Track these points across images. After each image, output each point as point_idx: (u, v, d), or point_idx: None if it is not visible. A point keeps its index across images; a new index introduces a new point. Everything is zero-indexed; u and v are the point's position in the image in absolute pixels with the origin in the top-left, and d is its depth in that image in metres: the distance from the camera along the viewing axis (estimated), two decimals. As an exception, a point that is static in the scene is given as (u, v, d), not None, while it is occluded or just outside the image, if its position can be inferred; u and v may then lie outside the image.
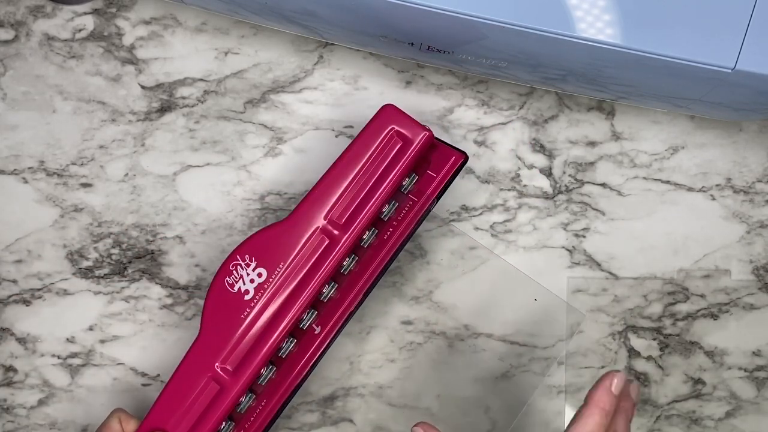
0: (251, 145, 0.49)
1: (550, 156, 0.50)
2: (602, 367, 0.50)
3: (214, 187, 0.49)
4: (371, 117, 0.42)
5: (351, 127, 0.50)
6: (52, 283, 0.49)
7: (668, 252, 0.51)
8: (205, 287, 0.49)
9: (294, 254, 0.41)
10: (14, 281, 0.49)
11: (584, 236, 0.50)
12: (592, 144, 0.50)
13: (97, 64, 0.49)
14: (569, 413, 0.50)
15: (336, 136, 0.50)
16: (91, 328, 0.49)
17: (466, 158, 0.44)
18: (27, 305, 0.49)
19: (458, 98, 0.50)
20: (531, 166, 0.50)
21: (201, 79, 0.49)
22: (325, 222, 0.41)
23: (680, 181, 0.51)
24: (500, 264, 0.50)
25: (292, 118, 0.50)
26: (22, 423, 0.48)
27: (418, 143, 0.41)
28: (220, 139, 0.49)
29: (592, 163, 0.50)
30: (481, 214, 0.50)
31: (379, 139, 0.41)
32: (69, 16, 0.49)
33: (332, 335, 0.43)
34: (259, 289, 0.40)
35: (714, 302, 0.51)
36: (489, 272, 0.50)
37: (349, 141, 0.50)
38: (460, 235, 0.50)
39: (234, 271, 0.41)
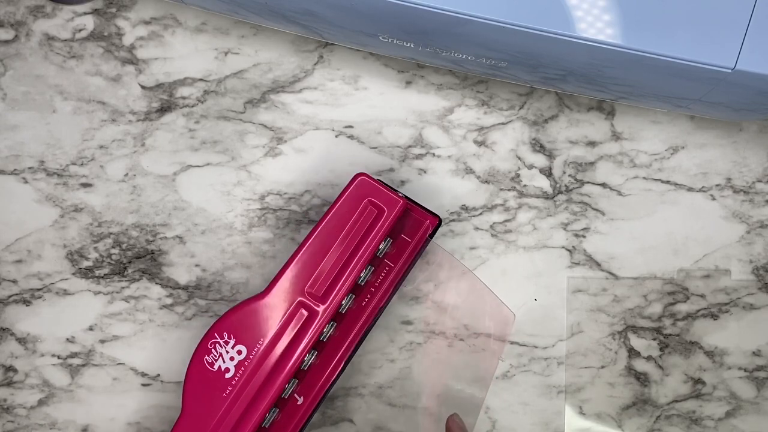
0: (251, 145, 0.49)
1: (550, 156, 0.50)
2: (602, 367, 0.50)
3: (214, 187, 0.49)
4: (344, 186, 0.42)
5: (351, 127, 0.50)
6: (52, 283, 0.49)
7: (668, 252, 0.51)
8: (206, 287, 0.49)
9: (273, 330, 0.41)
10: (14, 281, 0.49)
11: (584, 236, 0.50)
12: (592, 144, 0.50)
13: (97, 64, 0.49)
14: (569, 413, 0.50)
15: (336, 136, 0.50)
16: (91, 328, 0.49)
17: (440, 221, 0.44)
18: (27, 305, 0.49)
19: (458, 98, 0.50)
20: (531, 166, 0.50)
21: (201, 79, 0.49)
22: (304, 296, 0.41)
23: (680, 181, 0.51)
24: (498, 264, 0.50)
25: (292, 118, 0.50)
26: (22, 423, 0.48)
27: (393, 212, 0.41)
28: (220, 139, 0.49)
29: (592, 163, 0.50)
30: (481, 214, 0.50)
31: (356, 213, 0.42)
32: (69, 16, 0.49)
33: (317, 402, 0.43)
34: (240, 366, 0.40)
35: (714, 302, 0.51)
36: (489, 272, 0.50)
37: (349, 141, 0.50)
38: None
39: (213, 350, 0.40)
